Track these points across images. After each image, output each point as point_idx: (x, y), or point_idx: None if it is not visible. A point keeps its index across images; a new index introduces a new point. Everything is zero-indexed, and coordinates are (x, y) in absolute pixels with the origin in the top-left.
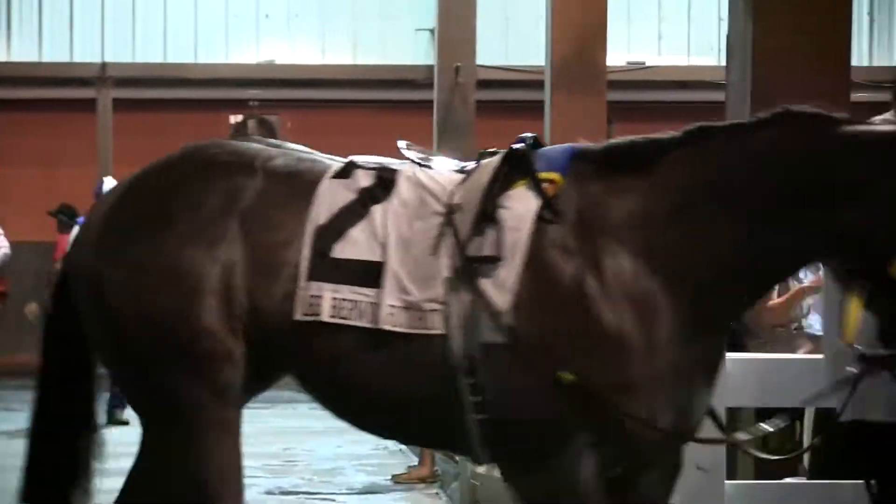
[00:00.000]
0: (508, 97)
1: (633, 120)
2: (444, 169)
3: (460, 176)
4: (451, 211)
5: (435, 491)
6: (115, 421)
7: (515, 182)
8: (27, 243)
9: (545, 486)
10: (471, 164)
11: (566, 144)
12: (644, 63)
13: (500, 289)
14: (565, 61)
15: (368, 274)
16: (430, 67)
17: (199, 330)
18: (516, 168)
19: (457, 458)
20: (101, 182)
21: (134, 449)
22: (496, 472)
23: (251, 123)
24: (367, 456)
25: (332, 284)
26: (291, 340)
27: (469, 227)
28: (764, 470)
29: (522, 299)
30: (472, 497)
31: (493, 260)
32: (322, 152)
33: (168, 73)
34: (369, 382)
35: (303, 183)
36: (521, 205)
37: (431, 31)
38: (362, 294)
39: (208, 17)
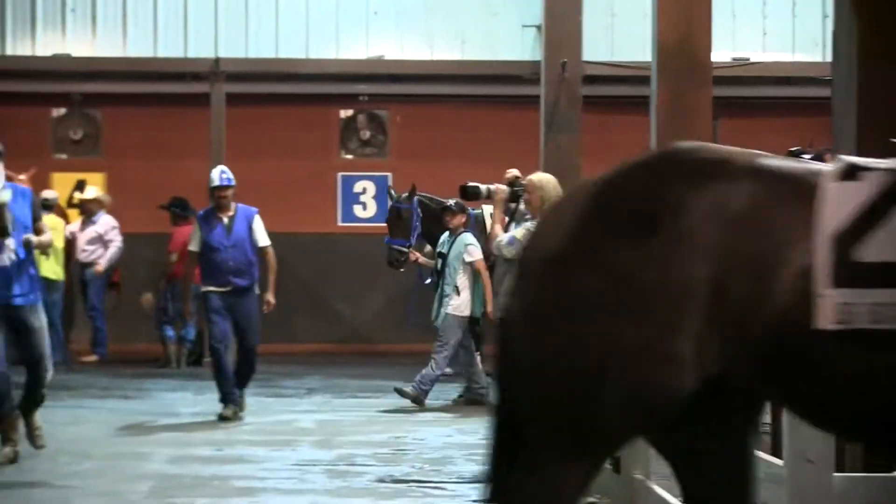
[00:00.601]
0: (614, 93)
1: (738, 115)
2: None
3: None
4: None
5: None
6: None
7: None
8: (141, 235)
9: None
10: None
11: None
12: (749, 59)
13: None
14: (671, 57)
15: None
16: (536, 63)
17: (668, 360)
18: None
19: None
20: (217, 172)
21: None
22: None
23: (360, 118)
24: (477, 446)
25: (865, 290)
26: (804, 351)
27: None
28: (871, 462)
29: None
30: None
31: None
32: (428, 147)
33: (279, 69)
34: None
35: (796, 183)
36: None
37: (538, 27)
38: None
39: (319, 13)
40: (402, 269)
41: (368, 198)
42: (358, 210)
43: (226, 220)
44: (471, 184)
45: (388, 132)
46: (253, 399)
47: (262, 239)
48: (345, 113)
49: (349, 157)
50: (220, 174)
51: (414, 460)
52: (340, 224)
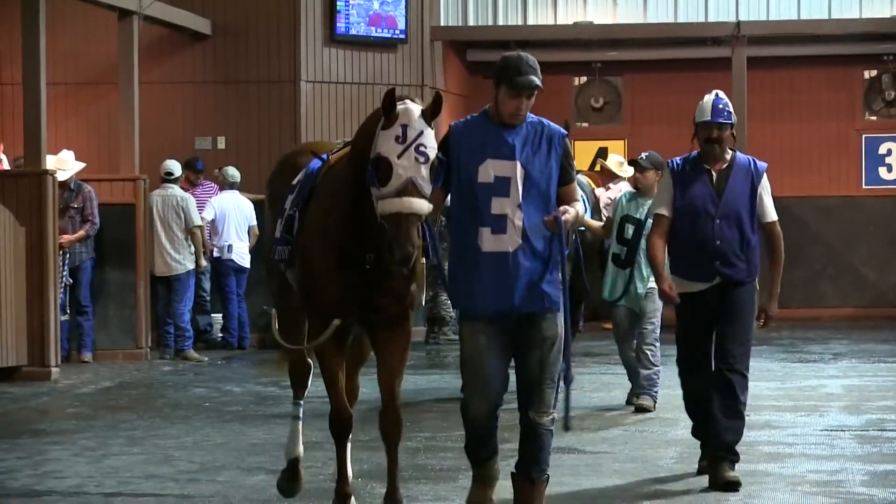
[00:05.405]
0: None
1: None
2: None
3: None
4: None
5: None
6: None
7: None
8: None
9: None
10: None
11: None
12: None
13: None
14: None
15: None
16: None
17: None
18: None
19: None
20: (710, 98)
21: None
22: None
23: (885, 78)
24: None
25: None
26: None
27: None
28: None
29: None
30: None
31: None
32: None
33: (801, 30)
34: None
35: None
36: None
37: None
38: None
39: None
40: None
41: (894, 160)
42: (883, 172)
43: (715, 175)
44: None
45: None
46: (778, 364)
47: (769, 212)
48: (868, 73)
49: (873, 118)
50: (713, 102)
51: None
52: (865, 187)
